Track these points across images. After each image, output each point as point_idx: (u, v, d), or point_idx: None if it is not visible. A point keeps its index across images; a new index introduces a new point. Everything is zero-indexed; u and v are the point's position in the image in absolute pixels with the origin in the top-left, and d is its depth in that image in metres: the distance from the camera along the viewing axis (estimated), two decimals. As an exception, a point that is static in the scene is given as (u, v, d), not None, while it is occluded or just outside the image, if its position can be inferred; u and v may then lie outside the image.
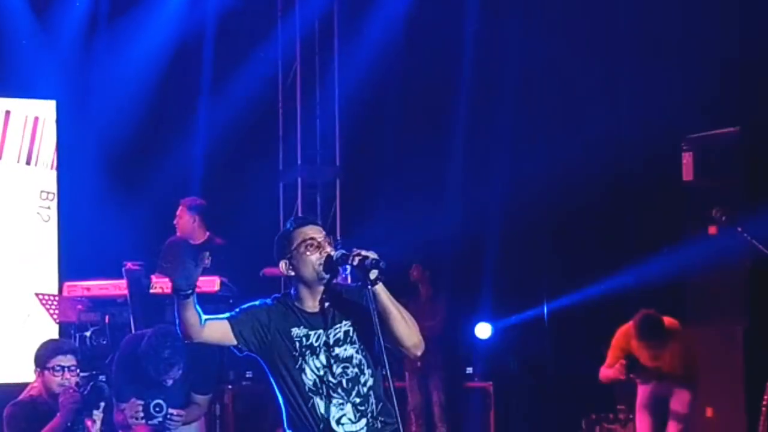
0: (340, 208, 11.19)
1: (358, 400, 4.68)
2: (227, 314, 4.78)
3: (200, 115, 10.98)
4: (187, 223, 9.52)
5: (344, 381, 4.67)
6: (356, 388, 4.68)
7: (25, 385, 7.41)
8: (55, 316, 9.36)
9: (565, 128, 9.83)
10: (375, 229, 10.05)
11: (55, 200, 10.64)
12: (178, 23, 10.93)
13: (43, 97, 10.65)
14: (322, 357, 4.68)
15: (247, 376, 9.48)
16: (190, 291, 4.71)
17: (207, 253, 5.11)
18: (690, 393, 8.02)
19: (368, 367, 4.71)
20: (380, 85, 10.74)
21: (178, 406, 6.62)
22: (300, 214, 11.12)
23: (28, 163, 10.59)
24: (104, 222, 10.21)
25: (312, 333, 4.70)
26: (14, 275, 10.39)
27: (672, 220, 8.93)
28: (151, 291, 8.90)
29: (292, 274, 4.72)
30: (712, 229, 8.42)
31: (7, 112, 10.54)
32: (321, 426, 4.64)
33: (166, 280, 8.97)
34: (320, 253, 4.65)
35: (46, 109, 10.65)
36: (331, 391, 4.66)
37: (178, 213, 9.56)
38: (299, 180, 11.28)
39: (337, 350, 4.69)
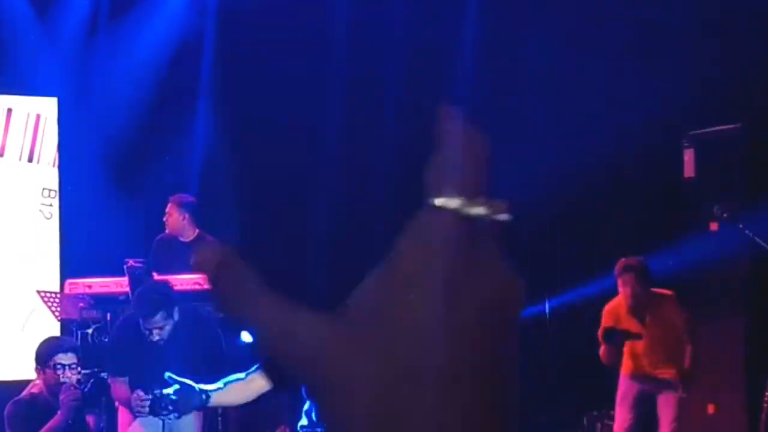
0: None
1: None
2: None
3: (200, 112, 10.98)
4: (176, 220, 9.53)
5: None
6: None
7: (27, 382, 7.44)
8: (56, 314, 9.38)
9: (566, 125, 9.84)
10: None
11: (57, 198, 10.69)
12: (178, 22, 10.95)
13: (44, 95, 10.72)
14: None
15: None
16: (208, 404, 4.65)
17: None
18: (679, 394, 8.07)
19: None
20: (381, 80, 10.72)
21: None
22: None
23: (29, 160, 10.65)
24: (106, 219, 10.20)
25: None
26: (16, 273, 10.45)
27: (673, 217, 8.94)
28: (153, 288, 8.94)
29: None
30: (713, 226, 8.43)
31: (9, 110, 10.59)
32: None
33: (168, 277, 9.00)
34: None
35: (47, 107, 10.71)
36: None
37: (167, 210, 9.57)
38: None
39: None
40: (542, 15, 10.24)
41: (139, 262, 8.92)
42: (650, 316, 8.13)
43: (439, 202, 2.84)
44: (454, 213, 2.86)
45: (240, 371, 9.27)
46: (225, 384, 4.70)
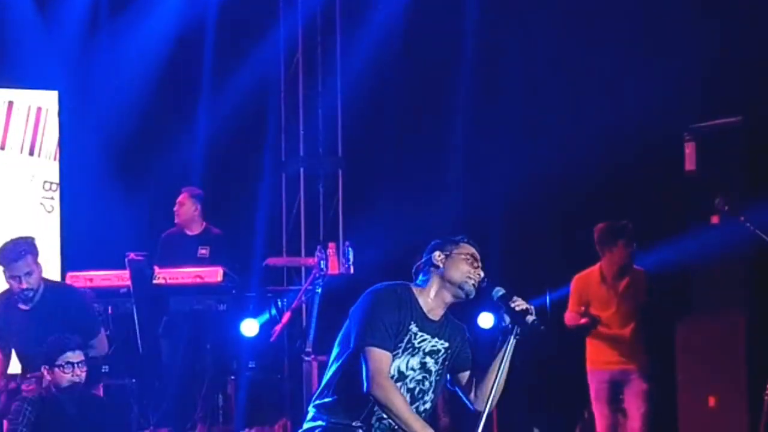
0: (342, 199, 11.18)
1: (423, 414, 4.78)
2: (385, 349, 4.68)
3: (202, 106, 10.97)
4: (188, 210, 9.54)
5: (416, 390, 4.76)
6: (418, 402, 4.76)
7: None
8: None
9: (567, 119, 9.82)
10: (376, 220, 10.06)
11: (58, 191, 10.66)
12: (179, 14, 10.92)
13: (45, 88, 10.68)
14: (416, 360, 4.75)
15: (250, 366, 9.49)
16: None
17: None
18: (647, 384, 8.10)
19: (433, 392, 4.81)
20: (382, 76, 10.73)
21: None
22: (302, 206, 11.14)
23: (31, 153, 10.61)
24: (107, 213, 10.21)
25: (420, 334, 4.76)
26: (17, 266, 10.42)
27: (674, 210, 8.93)
28: (154, 282, 8.95)
29: (440, 266, 4.82)
30: (715, 219, 8.42)
31: (10, 103, 10.56)
32: (365, 414, 4.69)
33: (169, 270, 9.02)
34: (476, 272, 4.82)
35: (48, 100, 10.67)
36: (405, 393, 4.73)
37: (179, 200, 9.57)
38: (301, 171, 11.27)
39: (428, 360, 4.79)
40: (543, 9, 10.23)
41: (140, 255, 8.95)
42: (625, 286, 8.17)
43: None
44: None
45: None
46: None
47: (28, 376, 6.80)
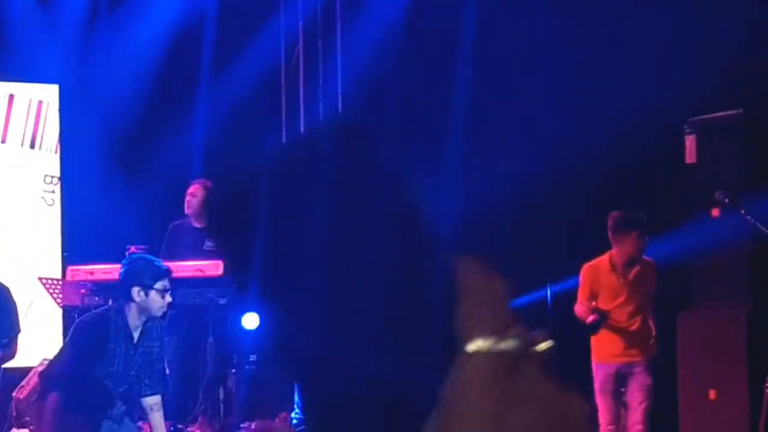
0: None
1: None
2: None
3: (202, 99, 10.99)
4: (200, 202, 9.50)
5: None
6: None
7: (29, 369, 7.45)
8: (58, 301, 9.44)
9: (568, 113, 9.84)
10: None
11: (59, 184, 10.69)
12: (179, 6, 10.94)
13: (46, 81, 10.73)
14: None
15: (251, 359, 9.50)
16: None
17: None
18: (650, 378, 8.11)
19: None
20: (383, 69, 10.74)
21: None
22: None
23: (32, 147, 10.65)
24: (108, 206, 10.21)
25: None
26: (18, 260, 10.43)
27: (675, 203, 8.95)
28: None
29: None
30: (715, 212, 8.43)
31: (11, 96, 10.59)
32: None
33: (170, 264, 9.02)
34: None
35: (49, 94, 10.72)
36: None
37: (192, 191, 9.51)
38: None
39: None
40: (544, 1, 10.24)
41: (141, 249, 8.94)
42: (635, 275, 8.18)
43: (471, 347, 2.94)
44: (488, 353, 2.96)
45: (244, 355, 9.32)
46: None
47: None
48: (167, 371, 9.04)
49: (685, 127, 8.88)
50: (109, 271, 8.99)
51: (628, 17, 9.72)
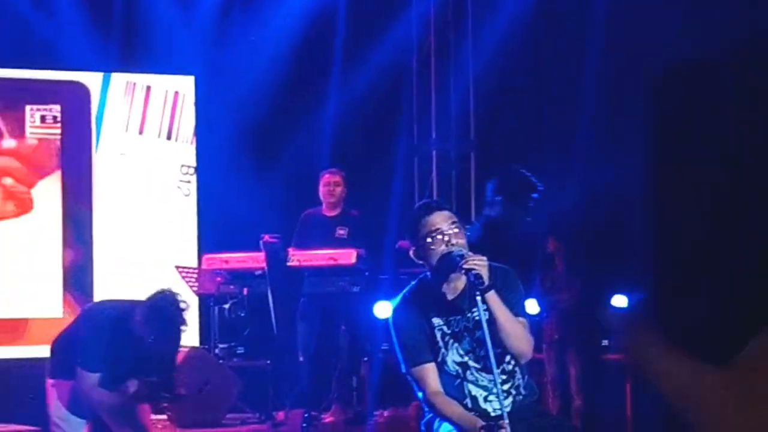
0: (475, 182, 11.16)
1: (504, 377, 4.69)
2: (422, 364, 4.72)
3: (334, 89, 11.03)
4: (342, 192, 9.56)
5: (488, 364, 4.64)
6: (501, 366, 4.67)
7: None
8: (194, 289, 9.55)
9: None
10: None
11: (195, 175, 10.84)
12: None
13: (182, 73, 10.88)
14: (466, 342, 4.70)
15: (383, 348, 9.53)
16: None
17: None
18: None
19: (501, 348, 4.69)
20: (514, 58, 10.67)
21: None
22: (435, 189, 11.14)
23: (168, 138, 10.80)
24: (242, 195, 10.28)
25: (452, 320, 4.70)
26: (156, 248, 10.63)
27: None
28: (288, 264, 9.03)
29: (421, 262, 4.76)
30: None
31: (148, 88, 10.76)
32: (469, 404, 4.69)
33: (303, 252, 9.10)
34: (446, 245, 4.65)
35: (185, 85, 10.87)
36: (476, 374, 4.70)
37: (336, 180, 9.52)
38: (434, 153, 11.29)
39: (478, 334, 4.66)
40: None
41: (275, 238, 9.05)
42: None
43: None
44: None
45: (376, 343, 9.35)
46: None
47: None
48: (301, 359, 9.19)
49: None
50: (243, 259, 9.16)
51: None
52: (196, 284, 9.56)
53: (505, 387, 4.69)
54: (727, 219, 2.60)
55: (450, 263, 4.62)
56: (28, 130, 10.43)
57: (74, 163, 10.54)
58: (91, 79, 10.60)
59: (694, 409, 2.83)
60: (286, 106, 10.92)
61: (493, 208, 7.85)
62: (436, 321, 4.69)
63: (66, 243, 10.48)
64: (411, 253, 4.79)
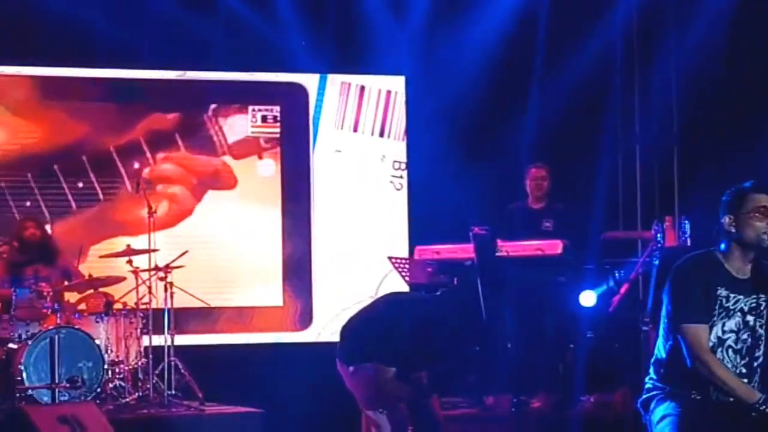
0: (677, 175, 11.17)
1: (744, 371, 4.81)
2: (699, 323, 4.78)
3: (539, 86, 11.14)
4: (549, 186, 9.78)
5: (743, 348, 4.81)
6: (747, 358, 4.81)
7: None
8: (406, 278, 9.66)
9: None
10: (712, 193, 9.94)
11: (407, 170, 11.18)
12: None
13: (393, 74, 11.21)
14: (733, 322, 4.81)
15: (588, 336, 9.63)
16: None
17: None
18: None
19: (765, 345, 4.83)
20: (717, 54, 10.62)
21: None
22: (638, 181, 11.21)
23: (381, 135, 11.18)
24: (452, 189, 10.51)
25: (732, 296, 4.80)
26: (369, 240, 11.01)
27: None
28: (497, 255, 9.21)
29: (733, 231, 4.82)
30: None
31: (362, 88, 11.13)
32: (700, 384, 4.78)
33: (511, 243, 9.28)
34: (766, 224, 4.76)
35: (396, 85, 11.19)
36: (726, 353, 4.80)
37: (543, 174, 9.71)
38: (637, 148, 11.35)
39: (748, 318, 4.81)
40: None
41: (484, 230, 9.16)
42: None
43: None
44: None
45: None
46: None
47: None
48: (509, 346, 9.37)
49: None
50: (454, 250, 9.21)
51: None
52: (408, 274, 9.64)
53: (743, 378, 4.79)
54: None
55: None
56: (249, 129, 10.99)
57: (293, 160, 11.05)
58: (309, 81, 11.09)
59: None
60: (493, 104, 11.07)
61: None
62: (721, 291, 4.78)
63: (286, 236, 11.00)
64: (726, 220, 4.82)
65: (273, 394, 9.53)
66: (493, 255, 9.03)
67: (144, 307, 9.47)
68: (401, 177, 11.19)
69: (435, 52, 11.12)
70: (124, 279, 9.60)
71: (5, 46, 10.39)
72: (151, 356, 9.26)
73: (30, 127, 10.64)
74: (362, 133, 11.16)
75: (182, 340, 9.84)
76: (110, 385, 9.14)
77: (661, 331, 4.95)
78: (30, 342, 8.79)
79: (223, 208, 10.93)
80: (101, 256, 10.03)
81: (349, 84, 11.17)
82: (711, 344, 4.77)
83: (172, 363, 9.41)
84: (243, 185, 11.01)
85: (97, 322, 9.29)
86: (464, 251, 9.12)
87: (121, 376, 9.27)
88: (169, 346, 9.44)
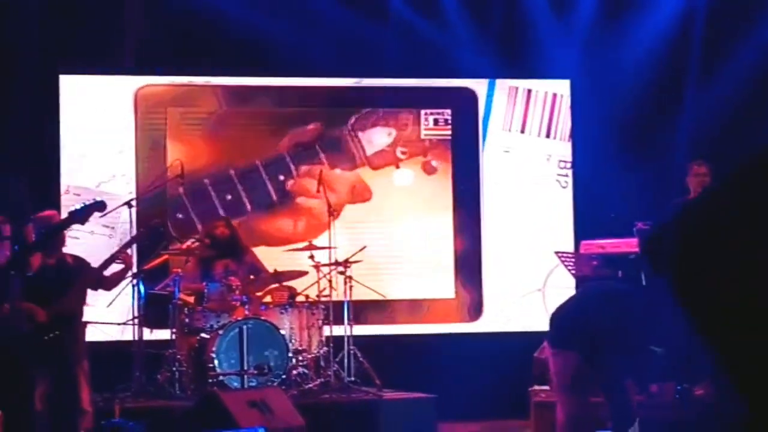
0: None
1: None
2: None
3: (697, 86, 11.27)
4: (710, 182, 9.88)
5: None
6: None
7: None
8: (572, 271, 9.83)
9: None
10: None
11: (572, 168, 11.43)
12: (676, 3, 11.33)
13: (559, 78, 11.47)
14: None
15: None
16: None
17: None
18: None
19: None
20: None
21: None
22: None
23: (547, 136, 11.47)
24: (616, 186, 10.64)
25: None
26: (536, 235, 11.29)
27: None
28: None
29: None
30: None
31: (528, 91, 11.44)
32: None
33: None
34: None
35: (562, 88, 11.45)
36: None
37: (705, 171, 9.60)
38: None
39: None
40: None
41: (648, 225, 9.27)
42: None
43: None
44: None
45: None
46: None
47: None
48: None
49: None
50: (618, 245, 9.36)
51: None
52: (574, 268, 9.80)
53: None
54: None
55: None
56: (422, 132, 11.45)
57: (464, 160, 11.42)
58: (478, 86, 11.45)
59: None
60: (655, 103, 11.22)
61: None
62: None
63: (457, 232, 11.39)
64: None
65: (445, 381, 9.85)
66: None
67: (325, 299, 9.92)
68: (566, 175, 11.43)
69: (598, 55, 11.28)
70: (306, 273, 10.03)
71: (192, 57, 10.94)
72: (331, 345, 9.73)
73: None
74: (529, 134, 11.44)
75: (360, 330, 10.23)
76: (294, 372, 9.56)
77: None
78: (221, 332, 9.31)
79: (396, 206, 11.33)
80: (286, 251, 10.55)
81: (517, 88, 11.48)
82: None
83: (352, 352, 9.83)
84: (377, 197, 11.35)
85: (282, 313, 9.75)
86: (628, 245, 9.25)
87: (305, 363, 9.70)
88: (348, 336, 9.86)
